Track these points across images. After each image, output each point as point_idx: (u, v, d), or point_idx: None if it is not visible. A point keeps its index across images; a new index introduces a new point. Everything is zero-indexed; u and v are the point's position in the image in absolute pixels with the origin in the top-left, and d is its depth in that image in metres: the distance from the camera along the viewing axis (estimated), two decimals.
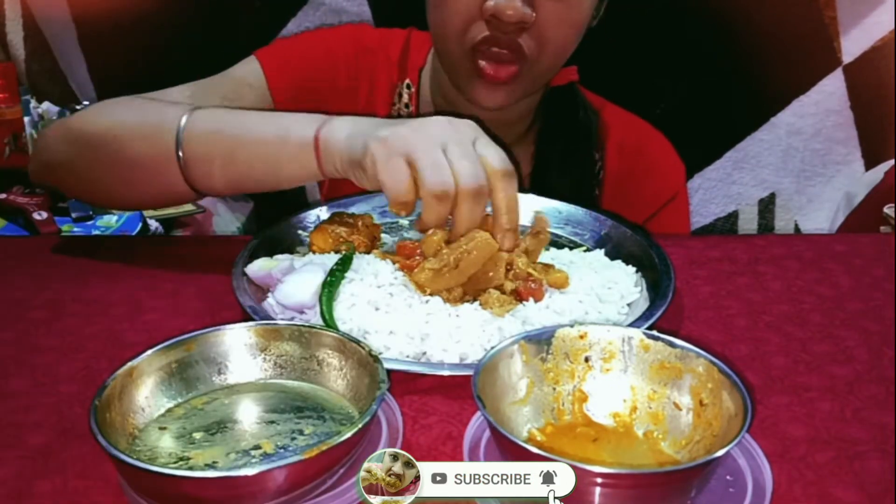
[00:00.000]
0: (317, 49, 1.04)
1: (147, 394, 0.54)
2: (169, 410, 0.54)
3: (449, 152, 0.66)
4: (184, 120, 0.78)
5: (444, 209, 0.66)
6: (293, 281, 0.71)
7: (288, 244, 0.83)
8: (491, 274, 0.70)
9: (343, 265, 0.72)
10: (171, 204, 0.90)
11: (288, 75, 1.01)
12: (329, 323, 0.67)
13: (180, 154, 0.77)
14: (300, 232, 0.86)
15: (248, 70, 1.00)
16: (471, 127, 0.69)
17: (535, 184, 1.05)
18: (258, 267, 0.73)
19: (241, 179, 0.79)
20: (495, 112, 0.94)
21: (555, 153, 1.04)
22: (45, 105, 1.70)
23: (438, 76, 1.01)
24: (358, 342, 0.56)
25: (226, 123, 0.79)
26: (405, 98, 1.06)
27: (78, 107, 1.64)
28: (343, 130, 0.72)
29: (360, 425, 0.47)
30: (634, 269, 0.78)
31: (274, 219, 0.86)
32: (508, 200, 0.68)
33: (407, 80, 1.06)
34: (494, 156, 0.67)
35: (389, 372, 0.54)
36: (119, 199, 0.89)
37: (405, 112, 1.06)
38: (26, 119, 1.65)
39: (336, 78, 1.04)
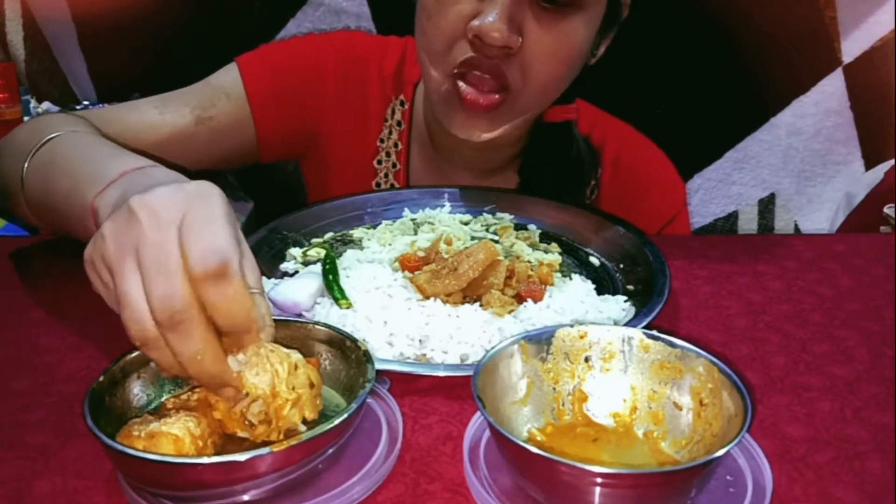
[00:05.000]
0: (303, 56, 1.00)
1: (142, 387, 0.54)
2: (162, 404, 0.54)
3: (142, 266, 0.47)
4: (39, 145, 0.74)
5: (155, 352, 0.48)
6: (289, 284, 0.72)
7: (282, 246, 0.83)
8: (491, 279, 0.71)
9: (331, 260, 0.74)
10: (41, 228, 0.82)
11: (268, 83, 0.97)
12: (340, 296, 0.69)
13: (23, 181, 0.75)
14: (296, 234, 0.86)
15: (228, 77, 0.97)
16: (184, 206, 0.48)
17: None
18: (286, 297, 0.71)
19: (53, 225, 0.75)
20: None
21: (540, 184, 0.99)
22: (45, 105, 1.70)
23: None
24: (356, 341, 0.56)
25: (52, 161, 0.73)
26: (397, 115, 1.02)
27: (78, 107, 1.65)
28: (111, 204, 0.56)
29: (325, 428, 0.47)
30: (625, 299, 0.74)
31: (273, 219, 0.86)
32: (226, 314, 0.47)
33: (401, 97, 1.03)
34: (196, 244, 0.47)
35: (379, 372, 0.54)
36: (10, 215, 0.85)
37: (397, 130, 1.03)
38: (26, 119, 1.65)
39: (324, 87, 1.01)
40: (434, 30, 0.83)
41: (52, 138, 0.75)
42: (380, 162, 1.04)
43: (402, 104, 1.03)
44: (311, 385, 0.52)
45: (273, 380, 0.50)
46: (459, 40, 0.82)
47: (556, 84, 0.88)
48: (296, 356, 0.53)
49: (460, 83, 0.83)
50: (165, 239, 0.47)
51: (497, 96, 0.83)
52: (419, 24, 0.86)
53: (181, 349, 0.47)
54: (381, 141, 1.03)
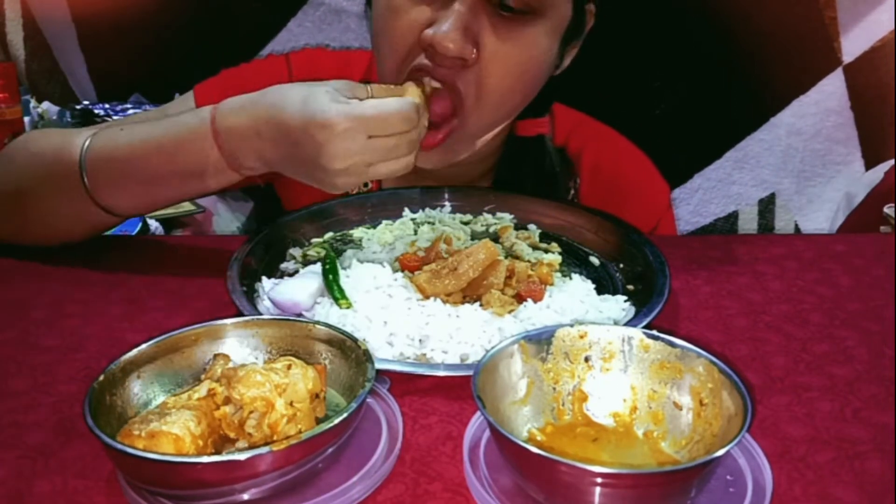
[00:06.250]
0: (260, 80, 0.94)
1: (142, 387, 0.54)
2: (162, 403, 0.54)
3: (369, 130, 0.68)
4: (86, 144, 0.76)
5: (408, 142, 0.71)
6: (290, 284, 0.72)
7: (282, 246, 0.83)
8: (491, 279, 0.71)
9: (331, 260, 0.74)
10: (99, 231, 0.85)
11: None
12: (340, 296, 0.69)
13: (86, 180, 0.76)
14: (295, 234, 0.85)
15: (184, 106, 0.95)
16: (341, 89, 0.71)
17: None
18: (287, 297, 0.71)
19: (146, 192, 0.78)
20: None
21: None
22: (45, 105, 1.70)
23: None
24: (356, 340, 0.56)
25: (122, 137, 0.77)
26: None
27: (78, 107, 1.65)
28: (239, 120, 0.72)
29: (325, 428, 0.47)
30: (625, 298, 0.74)
31: (273, 219, 0.86)
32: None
33: None
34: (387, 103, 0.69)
35: (379, 372, 0.54)
36: (44, 237, 0.85)
37: None
38: (26, 119, 1.65)
39: None
40: (387, 37, 0.81)
41: (94, 134, 0.78)
42: None
43: None
44: (315, 396, 0.52)
45: (270, 395, 0.50)
46: (413, 49, 0.80)
47: (511, 100, 0.85)
48: (297, 370, 0.52)
49: None
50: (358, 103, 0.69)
51: (442, 133, 0.82)
52: (373, 33, 0.84)
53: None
54: None
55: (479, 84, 0.80)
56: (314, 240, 0.85)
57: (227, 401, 0.51)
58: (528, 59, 0.82)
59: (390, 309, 0.68)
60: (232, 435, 0.51)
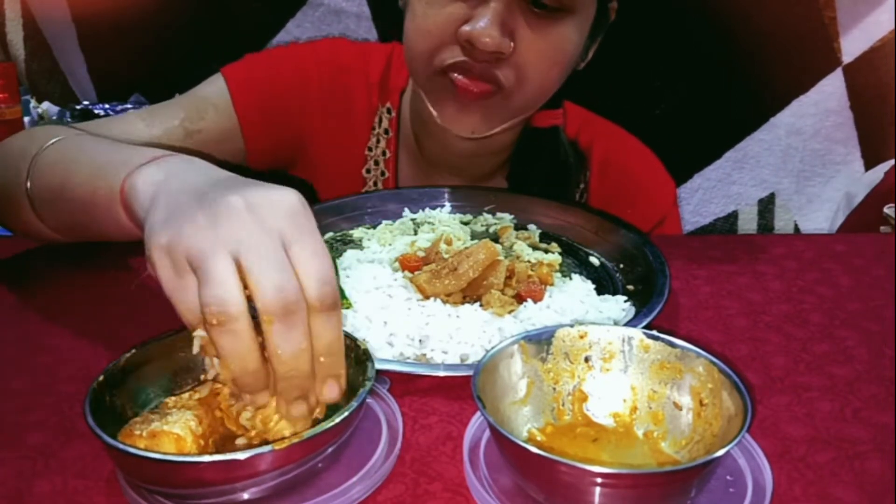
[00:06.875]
0: (287, 66, 1.00)
1: (142, 387, 0.54)
2: (163, 403, 0.54)
3: (244, 257, 0.46)
4: (45, 147, 0.72)
5: (233, 341, 0.45)
6: None
7: None
8: (491, 279, 0.71)
9: (332, 261, 0.73)
10: (43, 241, 0.80)
11: (254, 94, 0.96)
12: (340, 296, 0.68)
13: (28, 185, 0.73)
14: None
15: (214, 88, 0.96)
16: (288, 217, 0.48)
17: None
18: None
19: (69, 224, 0.73)
20: (473, 142, 0.90)
21: (529, 189, 0.98)
22: (45, 105, 1.71)
23: (417, 101, 0.96)
24: (356, 340, 0.56)
25: (67, 156, 0.71)
26: (384, 123, 1.02)
27: (78, 107, 1.65)
28: (146, 192, 0.55)
29: (325, 427, 0.47)
30: (625, 299, 0.74)
31: None
32: (328, 341, 0.48)
33: (388, 104, 1.02)
34: (314, 270, 0.47)
35: (379, 372, 0.54)
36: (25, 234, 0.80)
37: (384, 138, 1.03)
38: (26, 119, 1.65)
39: (307, 97, 1.00)
40: (423, 34, 0.83)
41: (56, 141, 0.74)
42: (368, 171, 1.04)
43: (388, 112, 1.02)
44: None
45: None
46: (449, 45, 0.82)
47: (549, 87, 0.88)
48: None
49: (453, 74, 0.83)
50: (273, 242, 0.46)
51: (489, 86, 0.83)
52: (407, 27, 0.86)
53: (287, 343, 0.46)
54: (369, 150, 1.03)
55: (518, 73, 0.83)
56: None
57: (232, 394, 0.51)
58: (560, 53, 0.84)
59: (390, 309, 0.68)
60: (233, 428, 0.51)
